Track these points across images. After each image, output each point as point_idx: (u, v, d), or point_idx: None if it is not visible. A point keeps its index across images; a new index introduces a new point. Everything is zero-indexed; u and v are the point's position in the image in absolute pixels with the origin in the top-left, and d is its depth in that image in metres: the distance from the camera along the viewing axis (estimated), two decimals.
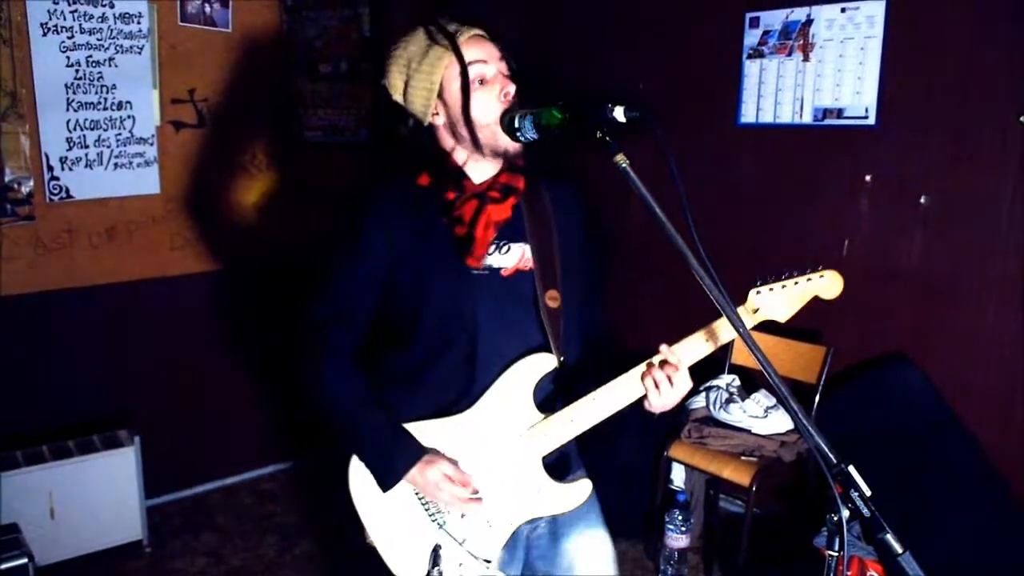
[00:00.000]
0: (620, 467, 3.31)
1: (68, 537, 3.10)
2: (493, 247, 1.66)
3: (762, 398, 3.19)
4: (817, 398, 3.10)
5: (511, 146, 1.62)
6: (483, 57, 1.61)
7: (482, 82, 1.60)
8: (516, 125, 1.57)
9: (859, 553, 2.69)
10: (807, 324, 3.20)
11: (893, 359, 3.07)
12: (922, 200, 3.00)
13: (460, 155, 1.68)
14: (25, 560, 2.71)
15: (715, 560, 3.28)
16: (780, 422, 3.10)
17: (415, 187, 1.69)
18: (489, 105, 1.60)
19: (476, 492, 1.65)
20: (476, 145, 1.63)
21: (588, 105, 1.46)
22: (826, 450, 1.23)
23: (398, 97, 1.66)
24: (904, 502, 2.75)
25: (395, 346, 1.71)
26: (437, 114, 1.65)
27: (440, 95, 1.62)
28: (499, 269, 1.67)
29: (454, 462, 1.65)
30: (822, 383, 3.10)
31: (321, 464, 4.10)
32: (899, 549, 1.17)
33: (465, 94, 1.59)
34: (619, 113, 1.42)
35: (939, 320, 3.02)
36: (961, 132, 2.90)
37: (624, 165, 1.41)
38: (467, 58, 1.59)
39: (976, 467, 2.78)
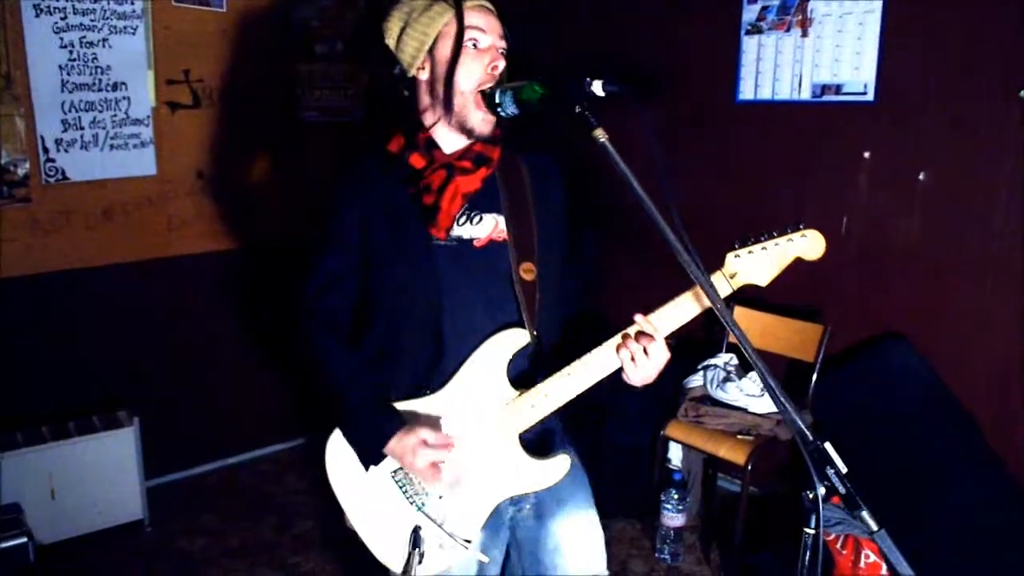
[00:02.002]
0: (617, 446, 3.32)
1: (69, 517, 3.13)
2: (464, 217, 1.64)
3: (758, 377, 3.17)
4: (814, 377, 3.09)
5: (477, 126, 1.62)
6: (483, 26, 1.60)
7: (475, 47, 1.60)
8: (497, 100, 1.56)
9: (855, 532, 2.68)
10: (804, 302, 3.19)
11: (891, 339, 3.04)
12: (921, 177, 2.97)
13: (430, 118, 1.67)
14: (25, 539, 2.75)
15: (712, 539, 3.28)
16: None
17: (386, 155, 1.69)
18: (474, 72, 1.59)
19: (456, 461, 1.63)
20: (447, 108, 1.62)
21: (567, 79, 1.45)
22: (801, 426, 1.21)
23: (391, 41, 1.65)
24: (901, 482, 2.74)
25: (363, 323, 1.71)
26: (423, 68, 1.64)
27: (431, 50, 1.62)
28: (471, 240, 1.64)
29: (435, 429, 1.62)
30: (819, 362, 3.09)
31: (320, 445, 4.12)
32: (874, 526, 1.16)
33: (455, 55, 1.58)
34: (597, 87, 1.40)
35: (937, 298, 2.99)
36: (961, 107, 2.86)
37: (603, 140, 1.40)
38: (467, 22, 1.58)
39: (973, 447, 2.76)
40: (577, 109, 1.42)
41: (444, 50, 1.60)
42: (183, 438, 3.72)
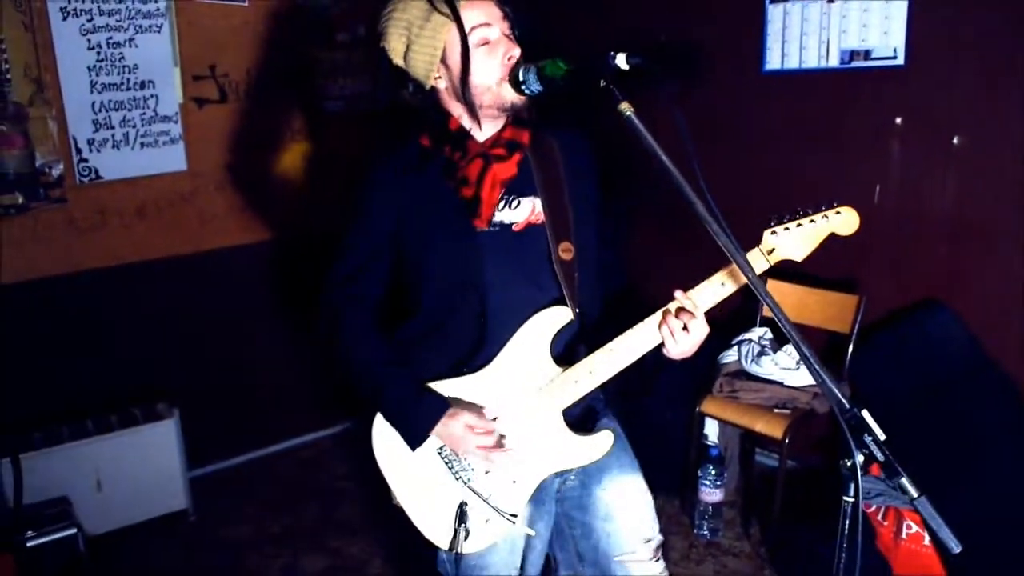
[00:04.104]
0: (654, 423, 3.31)
1: (115, 508, 3.20)
2: (503, 203, 1.66)
3: (794, 350, 3.14)
4: (850, 348, 3.05)
5: (517, 99, 1.61)
6: (485, 19, 1.58)
7: (486, 44, 1.58)
8: (521, 78, 1.56)
9: (895, 503, 2.66)
10: (839, 273, 3.15)
11: (928, 305, 3.00)
12: (954, 141, 2.91)
13: (463, 115, 1.67)
14: (74, 531, 2.82)
15: (752, 513, 3.27)
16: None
17: (419, 148, 1.70)
18: (492, 68, 1.58)
19: (501, 441, 1.65)
20: (474, 111, 1.62)
21: (591, 54, 1.44)
22: (838, 395, 1.20)
23: (399, 61, 1.64)
24: (941, 450, 2.71)
25: (409, 311, 1.74)
26: (440, 78, 1.64)
27: (443, 60, 1.61)
28: (510, 224, 1.66)
29: (478, 412, 1.66)
30: (855, 333, 3.05)
31: (359, 431, 4.16)
32: (915, 493, 1.16)
33: (465, 63, 1.57)
34: (621, 60, 1.39)
35: (974, 263, 2.94)
36: (994, 68, 2.79)
37: (628, 113, 1.39)
38: (469, 22, 1.56)
39: (1014, 411, 2.72)
40: (602, 83, 1.41)
41: (456, 58, 1.59)
42: (224, 428, 3.78)
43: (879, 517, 2.72)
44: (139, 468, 3.25)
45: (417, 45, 1.60)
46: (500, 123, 1.68)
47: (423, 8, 1.58)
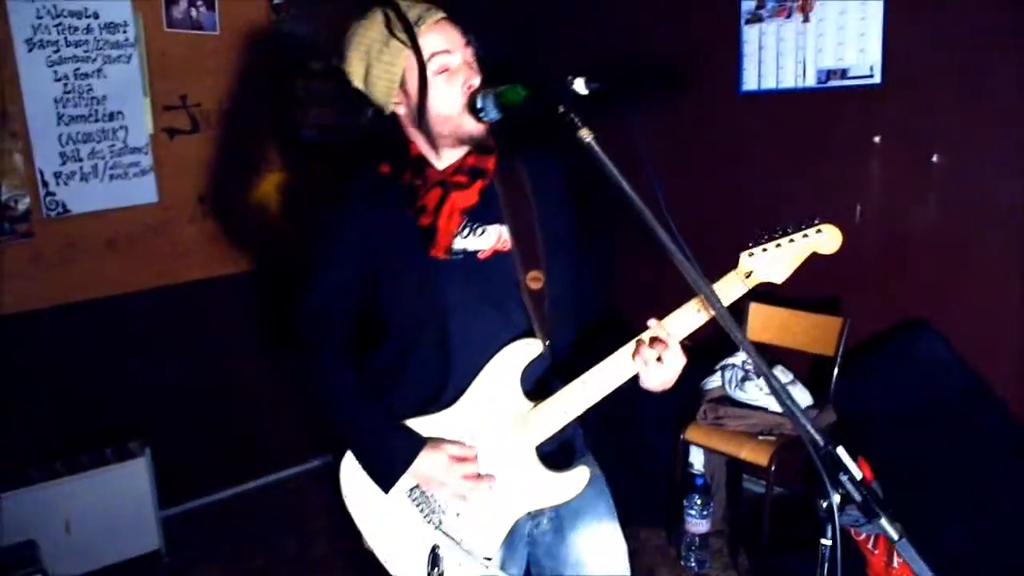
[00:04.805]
0: (637, 452, 3.24)
1: (85, 551, 3.10)
2: (467, 230, 1.60)
3: (779, 374, 3.08)
4: (835, 371, 2.99)
5: (476, 131, 1.55)
6: (446, 46, 1.52)
7: (445, 72, 1.52)
8: (479, 105, 1.50)
9: None
10: (823, 294, 3.10)
11: (914, 326, 2.94)
12: (934, 158, 2.87)
13: (423, 143, 1.62)
14: None
15: (740, 543, 3.19)
16: (798, 398, 2.99)
17: (379, 175, 1.64)
18: (452, 96, 1.52)
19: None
20: (433, 140, 1.57)
21: (549, 79, 1.39)
22: (812, 432, 1.15)
23: (359, 83, 1.58)
24: (932, 472, 2.65)
25: (372, 345, 1.69)
26: (399, 103, 1.58)
27: (402, 86, 1.55)
28: (475, 252, 1.60)
29: (458, 444, 1.60)
30: (840, 355, 2.99)
31: (337, 467, 4.08)
32: (895, 536, 1.09)
33: (422, 92, 1.51)
34: (580, 85, 1.35)
35: (958, 282, 2.90)
36: (971, 84, 2.76)
37: (588, 140, 1.34)
38: (429, 48, 1.50)
39: (1005, 432, 2.66)
40: (560, 109, 1.35)
41: (414, 85, 1.53)
42: (198, 466, 3.69)
43: (869, 545, 2.64)
44: (110, 509, 3.16)
45: (376, 69, 1.54)
46: (460, 152, 1.62)
47: (382, 31, 1.52)
